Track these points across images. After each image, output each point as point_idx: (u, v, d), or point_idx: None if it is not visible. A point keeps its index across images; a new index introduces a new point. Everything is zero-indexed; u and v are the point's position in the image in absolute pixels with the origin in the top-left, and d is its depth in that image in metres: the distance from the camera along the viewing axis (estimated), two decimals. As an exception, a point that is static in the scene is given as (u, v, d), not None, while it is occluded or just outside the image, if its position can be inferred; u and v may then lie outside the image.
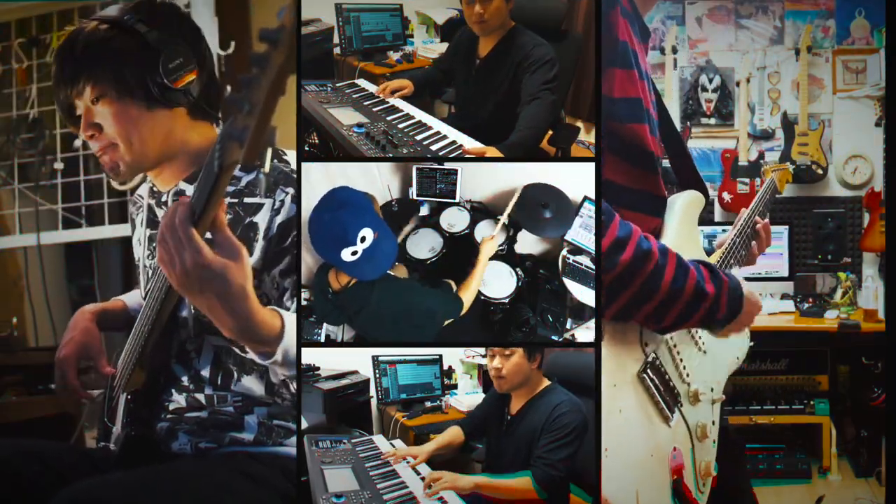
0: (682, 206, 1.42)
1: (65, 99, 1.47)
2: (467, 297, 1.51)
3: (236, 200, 1.46)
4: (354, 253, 1.41)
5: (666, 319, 1.21)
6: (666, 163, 1.48)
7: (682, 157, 1.51)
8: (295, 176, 1.46)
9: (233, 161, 1.04)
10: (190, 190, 1.50)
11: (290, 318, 1.30)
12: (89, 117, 1.45)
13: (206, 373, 1.48)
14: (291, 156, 1.52)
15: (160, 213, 1.56)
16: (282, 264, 1.44)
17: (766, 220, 1.63)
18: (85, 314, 1.62)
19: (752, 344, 1.54)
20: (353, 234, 1.41)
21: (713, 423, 1.38)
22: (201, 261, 1.12)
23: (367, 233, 1.42)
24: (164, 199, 1.55)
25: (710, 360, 1.43)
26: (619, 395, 1.24)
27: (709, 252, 1.57)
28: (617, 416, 1.22)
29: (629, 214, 1.23)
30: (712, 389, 1.42)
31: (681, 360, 1.36)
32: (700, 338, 1.44)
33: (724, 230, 1.62)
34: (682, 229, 1.40)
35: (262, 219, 1.44)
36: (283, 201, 1.44)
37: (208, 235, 1.15)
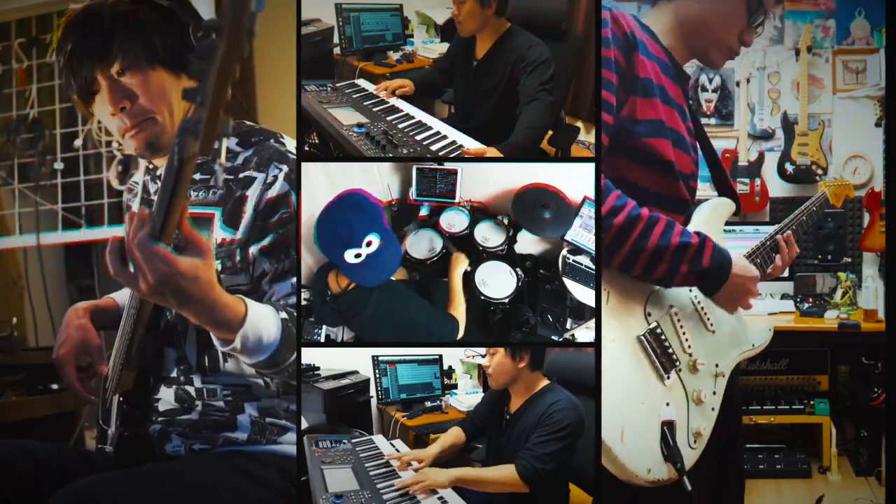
0: (708, 210, 1.63)
1: (88, 74, 1.41)
2: (459, 316, 1.53)
3: (231, 177, 1.45)
4: (358, 255, 1.41)
5: (657, 271, 1.41)
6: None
7: (717, 171, 1.75)
8: (290, 156, 1.47)
9: (191, 154, 1.05)
10: None
11: (256, 307, 1.30)
12: (119, 87, 1.41)
13: (192, 358, 1.48)
14: (291, 144, 1.53)
15: (153, 188, 1.56)
16: (263, 241, 1.43)
17: (789, 233, 1.72)
18: (78, 311, 1.62)
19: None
20: (359, 236, 1.41)
21: (713, 393, 1.54)
22: (173, 270, 1.14)
23: (374, 238, 1.42)
24: (158, 172, 1.54)
25: (718, 339, 1.57)
26: (617, 349, 1.43)
27: None
28: (612, 365, 1.40)
29: (651, 209, 1.43)
30: (717, 365, 1.56)
31: (683, 333, 1.51)
32: (708, 318, 1.56)
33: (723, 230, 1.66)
34: (703, 228, 1.56)
35: (253, 192, 1.43)
36: (276, 177, 1.44)
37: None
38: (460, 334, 1.51)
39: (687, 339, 1.51)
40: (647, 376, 1.46)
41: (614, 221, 1.36)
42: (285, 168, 1.45)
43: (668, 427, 1.44)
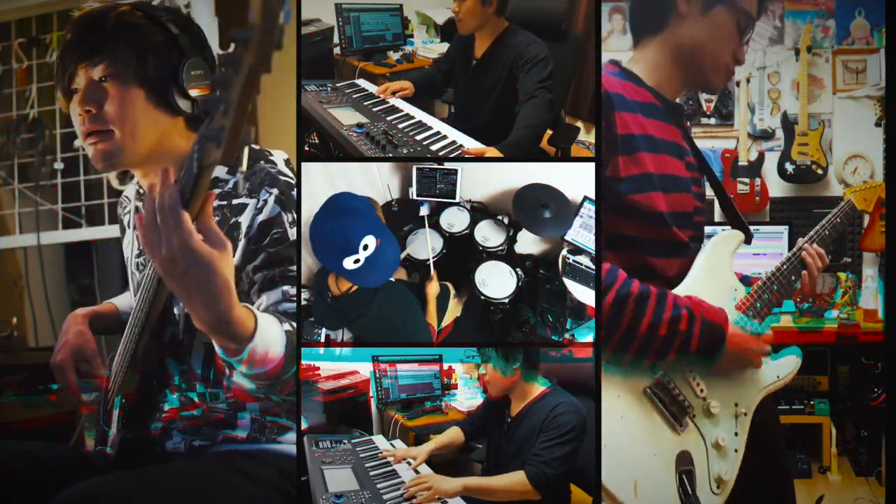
0: (714, 243, 1.59)
1: (72, 69, 1.44)
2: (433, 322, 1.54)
3: (225, 202, 1.44)
4: (357, 261, 1.41)
5: (650, 354, 1.39)
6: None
7: (724, 202, 1.74)
8: (281, 178, 1.45)
9: (211, 161, 1.04)
10: None
11: (263, 320, 1.24)
12: (94, 90, 1.42)
13: (198, 369, 1.47)
14: (278, 157, 1.52)
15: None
16: (256, 261, 1.42)
17: (815, 247, 1.70)
18: (77, 318, 1.62)
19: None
20: (355, 241, 1.41)
21: (735, 434, 1.48)
22: (190, 244, 1.07)
23: (370, 240, 1.41)
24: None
25: (735, 378, 1.51)
26: (623, 405, 1.38)
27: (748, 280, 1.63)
28: (618, 421, 1.36)
29: (650, 259, 1.48)
30: (736, 405, 1.50)
31: (693, 378, 1.46)
32: None
33: (723, 229, 1.64)
34: (709, 262, 1.56)
35: (245, 218, 1.42)
36: (266, 201, 1.42)
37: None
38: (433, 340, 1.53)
39: (699, 384, 1.45)
40: (659, 428, 1.40)
41: (604, 302, 1.35)
42: (275, 191, 1.43)
43: (687, 475, 1.38)
